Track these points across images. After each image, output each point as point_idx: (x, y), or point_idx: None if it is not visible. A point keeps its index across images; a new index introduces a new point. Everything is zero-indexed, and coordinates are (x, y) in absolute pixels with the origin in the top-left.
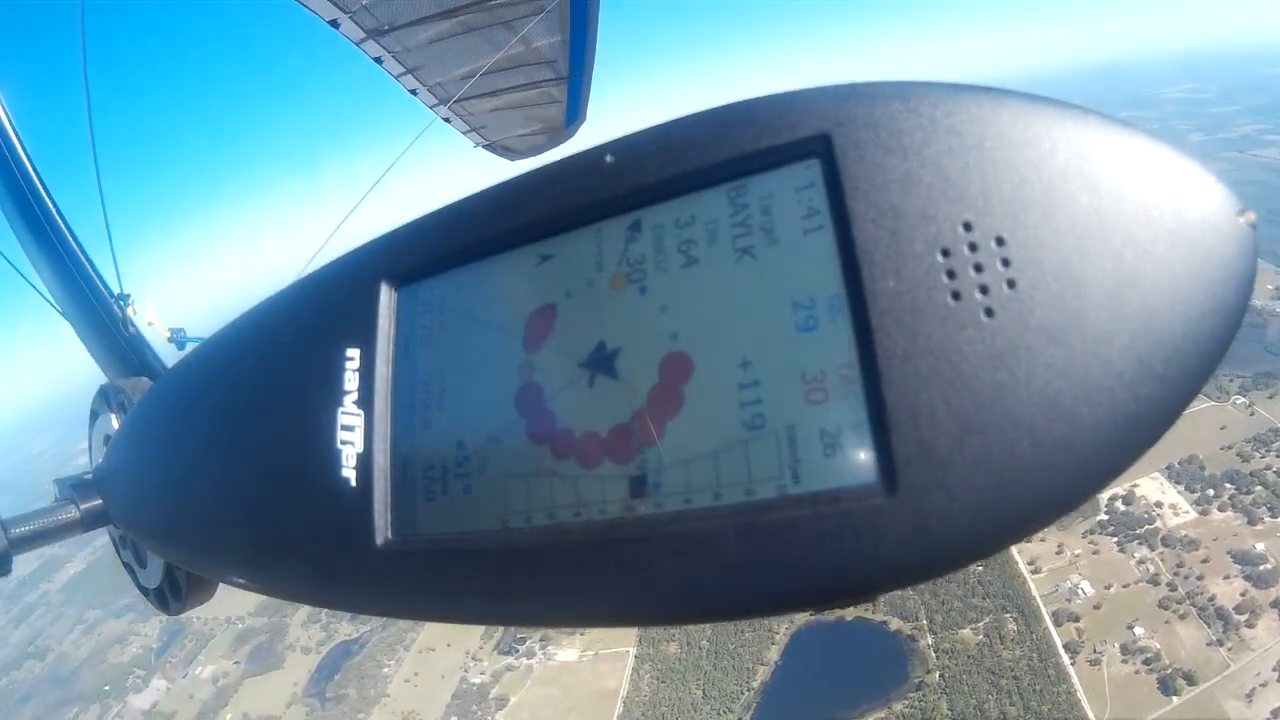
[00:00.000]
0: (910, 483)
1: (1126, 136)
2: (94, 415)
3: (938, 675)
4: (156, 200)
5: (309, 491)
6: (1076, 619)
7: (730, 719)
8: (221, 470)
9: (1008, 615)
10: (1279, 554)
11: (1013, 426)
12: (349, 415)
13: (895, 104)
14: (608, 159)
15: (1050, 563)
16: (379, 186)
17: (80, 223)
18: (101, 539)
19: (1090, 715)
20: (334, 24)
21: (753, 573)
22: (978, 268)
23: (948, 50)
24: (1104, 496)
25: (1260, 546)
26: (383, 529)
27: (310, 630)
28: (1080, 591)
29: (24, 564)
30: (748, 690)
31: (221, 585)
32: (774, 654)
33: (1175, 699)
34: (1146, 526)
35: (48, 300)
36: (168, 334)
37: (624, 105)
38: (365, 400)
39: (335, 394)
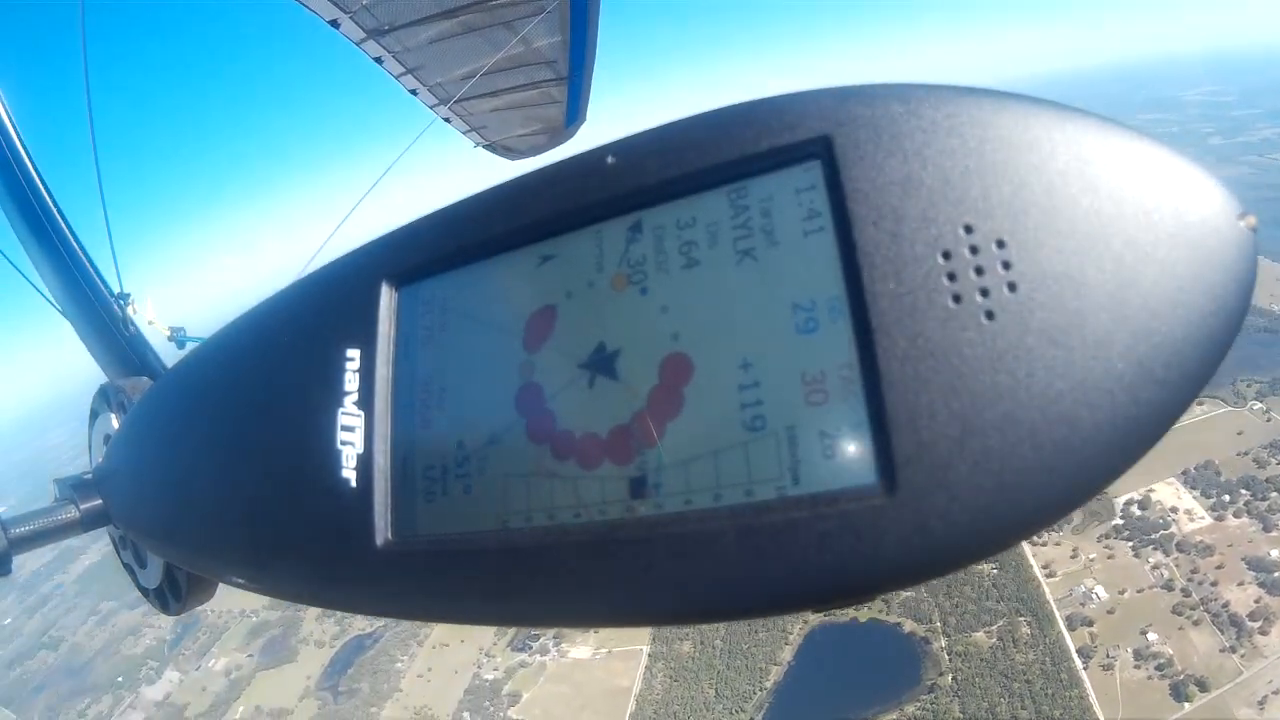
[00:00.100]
0: (910, 484)
1: (1127, 139)
2: (94, 415)
3: (950, 678)
4: (157, 200)
5: (309, 492)
6: (1090, 623)
7: (742, 718)
8: (221, 470)
9: (1021, 618)
10: None
11: (1013, 428)
12: (349, 416)
13: (896, 106)
14: (609, 160)
15: (1065, 566)
16: (379, 187)
17: (80, 222)
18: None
19: None
20: (334, 24)
21: (752, 573)
22: (978, 270)
23: (966, 51)
24: (1119, 501)
25: (1275, 553)
26: (383, 529)
27: (324, 624)
28: (1094, 596)
29: (39, 555)
30: (760, 690)
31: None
32: (787, 654)
33: (1187, 705)
34: (1161, 532)
35: (48, 300)
36: (168, 333)
37: (624, 106)
38: (365, 401)
39: (335, 394)
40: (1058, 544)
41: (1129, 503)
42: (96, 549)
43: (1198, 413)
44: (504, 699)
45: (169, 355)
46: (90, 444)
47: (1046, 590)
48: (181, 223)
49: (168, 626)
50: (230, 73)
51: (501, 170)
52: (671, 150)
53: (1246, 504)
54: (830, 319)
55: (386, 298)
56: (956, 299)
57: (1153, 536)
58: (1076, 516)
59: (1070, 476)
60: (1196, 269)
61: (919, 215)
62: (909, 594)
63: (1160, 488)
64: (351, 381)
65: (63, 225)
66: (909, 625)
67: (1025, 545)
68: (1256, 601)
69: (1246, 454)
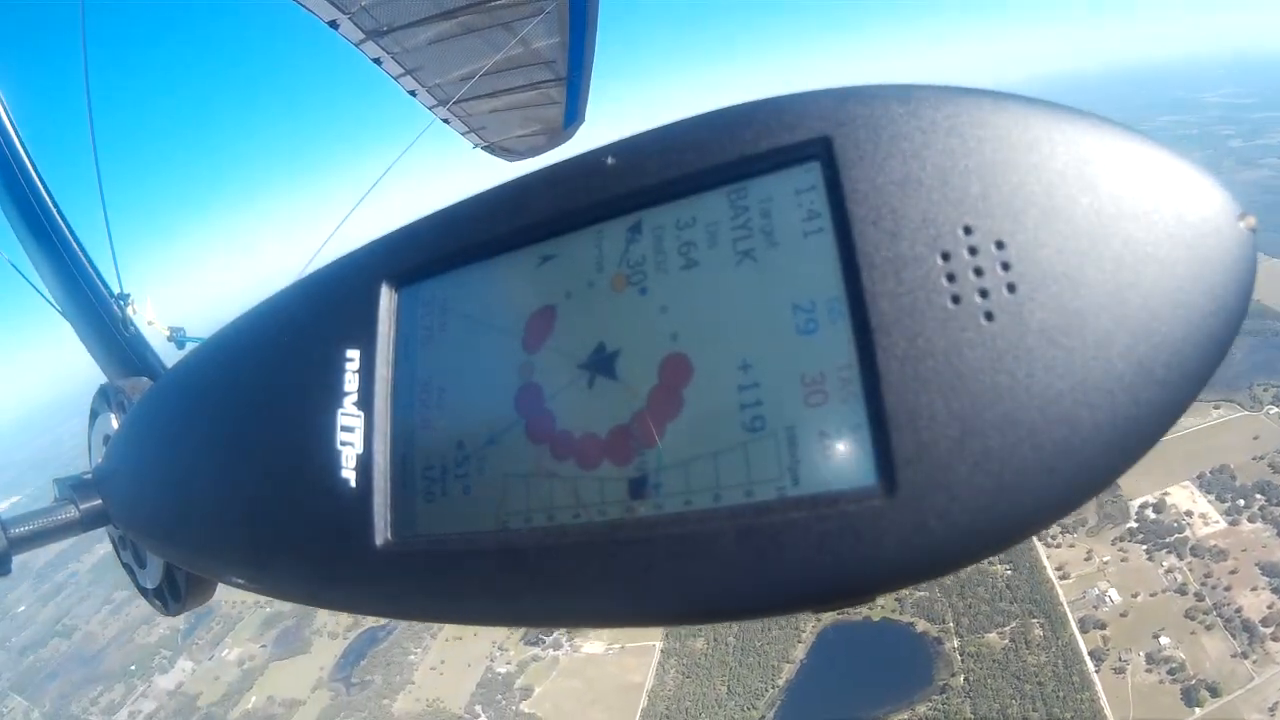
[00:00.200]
0: (910, 484)
1: (1126, 140)
2: (94, 415)
3: (962, 678)
4: (157, 200)
5: (308, 492)
6: (1103, 626)
7: (754, 715)
8: (221, 470)
9: (1034, 620)
10: None
11: (1012, 429)
12: (349, 416)
13: (896, 107)
14: (609, 160)
15: (1079, 569)
16: (378, 188)
17: (80, 222)
18: None
19: None
20: (333, 25)
21: (752, 574)
22: (978, 271)
23: (981, 52)
24: (1134, 504)
25: None
26: (382, 529)
27: (338, 616)
28: (1108, 599)
29: (54, 544)
30: (773, 687)
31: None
32: (800, 652)
33: (1198, 710)
34: (1176, 535)
35: (48, 300)
36: (168, 334)
37: (623, 107)
38: (365, 401)
39: (335, 395)
40: (1072, 546)
41: (1144, 506)
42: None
43: (1214, 416)
44: (516, 693)
45: (169, 355)
46: (90, 444)
47: (1060, 592)
48: (181, 223)
49: (181, 616)
50: (230, 73)
51: (501, 171)
52: (671, 151)
53: (1261, 509)
54: (830, 320)
55: (386, 298)
56: (956, 300)
57: (1167, 540)
58: (1091, 519)
59: (1070, 477)
60: (1196, 269)
61: (918, 216)
62: (922, 594)
63: (1175, 491)
64: (351, 382)
65: (63, 225)
66: (922, 625)
67: (1039, 547)
68: (1269, 607)
69: (1262, 459)
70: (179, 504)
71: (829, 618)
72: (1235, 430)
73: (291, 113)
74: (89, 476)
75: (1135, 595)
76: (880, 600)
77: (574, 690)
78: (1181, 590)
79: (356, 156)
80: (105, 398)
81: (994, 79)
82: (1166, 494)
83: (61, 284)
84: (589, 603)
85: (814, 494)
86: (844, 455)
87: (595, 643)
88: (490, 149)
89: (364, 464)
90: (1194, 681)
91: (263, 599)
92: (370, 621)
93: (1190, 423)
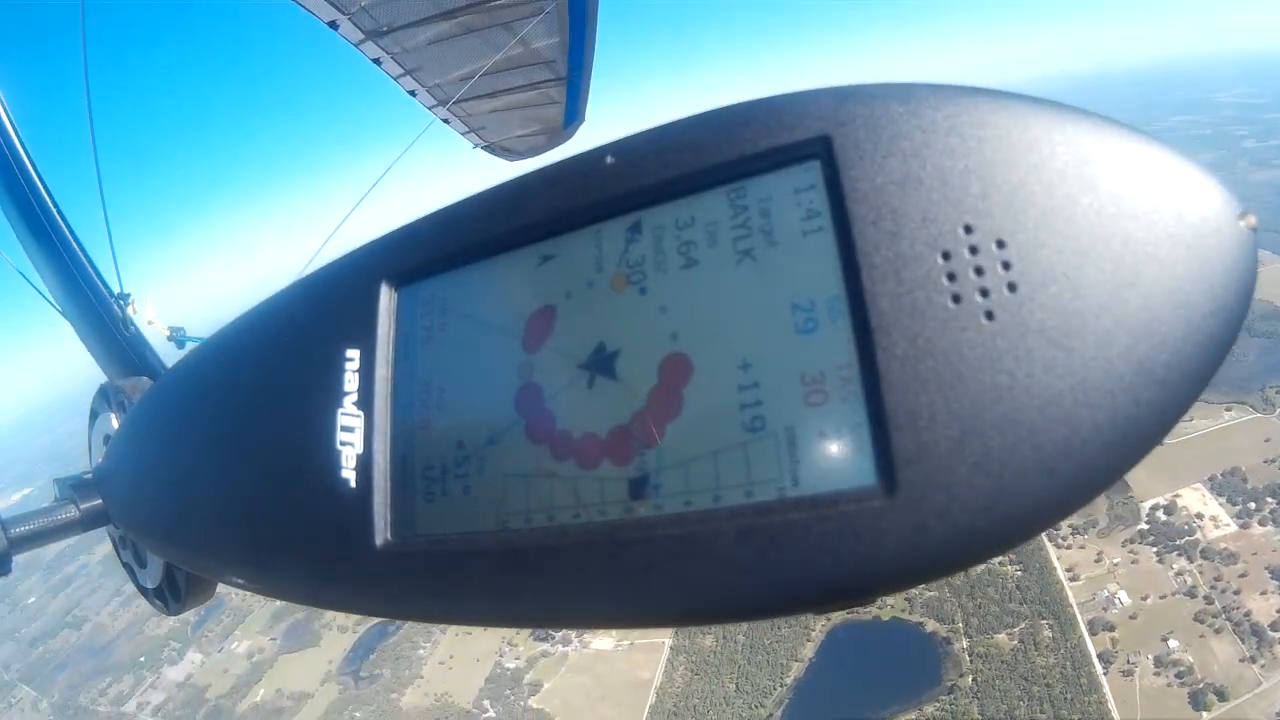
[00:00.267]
0: (910, 485)
1: (1127, 139)
2: (94, 415)
3: (970, 679)
4: (157, 200)
5: (308, 492)
6: (1112, 628)
7: (762, 713)
8: (221, 470)
9: (1044, 621)
10: None
11: (1013, 429)
12: (349, 416)
13: (896, 106)
14: (608, 160)
15: (1089, 570)
16: (378, 188)
17: (80, 222)
18: None
19: None
20: (333, 25)
21: (752, 575)
22: (978, 270)
23: (991, 52)
24: (1145, 506)
25: None
26: (382, 530)
27: None
28: (1117, 601)
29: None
30: (781, 685)
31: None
32: (809, 650)
33: (1205, 714)
34: (1186, 538)
35: (48, 300)
36: (168, 333)
37: (623, 107)
38: (365, 401)
39: (335, 395)
40: (1082, 547)
41: (1155, 508)
42: None
43: (1225, 418)
44: (524, 688)
45: (169, 355)
46: (90, 444)
47: (1070, 594)
48: (181, 223)
49: (192, 609)
50: (229, 74)
51: (501, 171)
52: (671, 150)
53: (1272, 512)
54: (829, 319)
55: (386, 298)
56: (956, 299)
57: (1177, 542)
58: (1102, 520)
59: (1070, 477)
60: (1196, 269)
61: (918, 215)
62: (932, 594)
63: (1186, 493)
64: (351, 382)
65: (63, 225)
66: (931, 625)
67: (1050, 548)
68: (1278, 611)
69: (1274, 461)
70: (179, 504)
71: (838, 617)
72: (1247, 433)
73: (291, 113)
74: (89, 476)
75: (1145, 598)
76: (890, 600)
77: (583, 686)
78: (1191, 593)
79: (356, 157)
80: (105, 398)
81: (1000, 79)
82: (1178, 496)
83: (61, 284)
84: (589, 603)
85: (814, 494)
86: (844, 455)
87: (605, 639)
88: (490, 149)
89: (364, 464)
90: (1202, 685)
91: None
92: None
93: (1202, 425)
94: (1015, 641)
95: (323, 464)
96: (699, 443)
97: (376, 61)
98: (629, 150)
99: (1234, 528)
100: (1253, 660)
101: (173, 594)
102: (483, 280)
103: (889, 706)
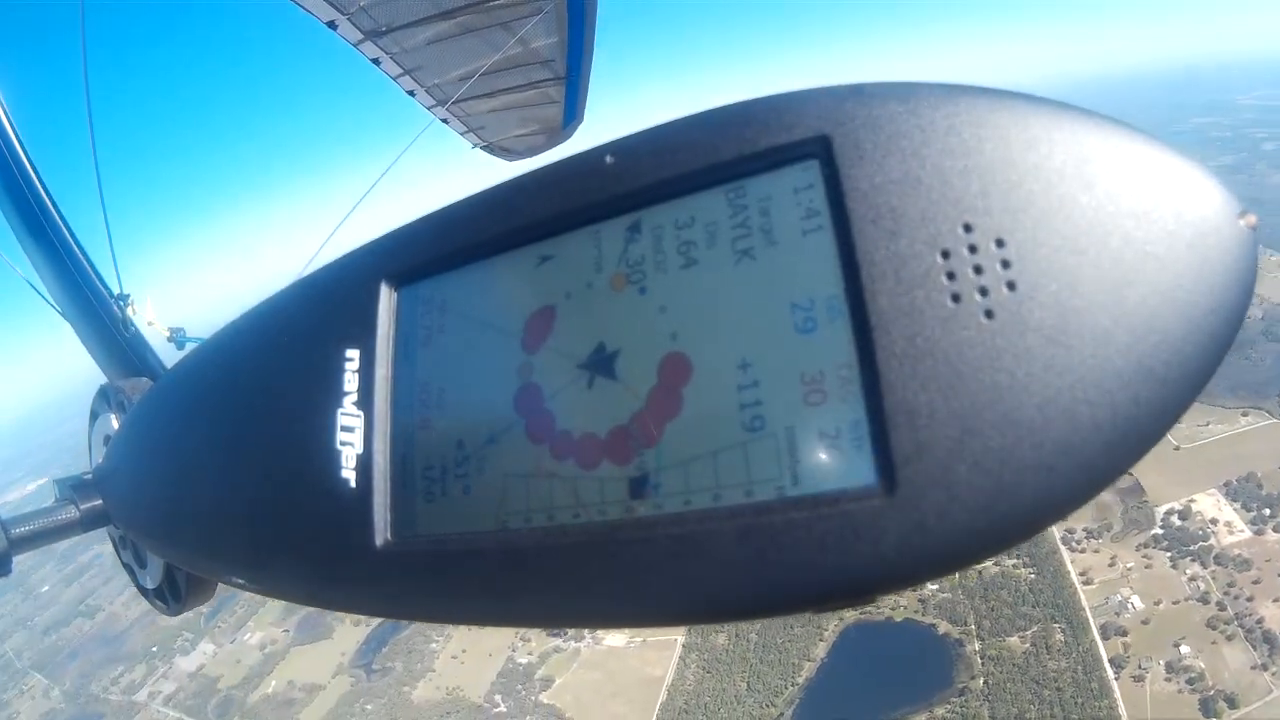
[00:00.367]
0: (909, 484)
1: (1126, 137)
2: (94, 415)
3: (982, 681)
4: (156, 201)
5: (308, 492)
6: (1124, 633)
7: (773, 712)
8: (221, 471)
9: (1056, 625)
10: None
11: (1012, 427)
12: (348, 416)
13: (895, 105)
14: (607, 160)
15: (1102, 574)
16: (377, 189)
17: (80, 223)
18: None
19: None
20: (332, 25)
21: (751, 574)
22: (977, 269)
23: (1013, 51)
24: (1160, 510)
25: None
26: (382, 530)
27: None
28: (1130, 605)
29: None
30: (792, 685)
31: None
32: (821, 650)
33: None
34: (1200, 543)
35: (48, 301)
36: (167, 334)
37: (622, 106)
38: (365, 401)
39: (335, 395)
40: (1096, 551)
41: (1169, 513)
42: None
43: (1242, 424)
44: (536, 683)
45: (169, 355)
46: (90, 444)
47: (1082, 597)
48: (181, 224)
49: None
50: (229, 74)
51: (500, 171)
52: (669, 150)
53: None
54: (829, 318)
55: (386, 298)
56: (955, 298)
57: (1191, 548)
58: (1116, 524)
59: (1070, 476)
60: (1196, 267)
61: (918, 214)
62: (945, 595)
63: (1201, 498)
64: (351, 382)
65: (62, 226)
66: (944, 627)
67: (1064, 551)
68: None
69: None
70: (179, 504)
71: (851, 617)
72: (1263, 438)
73: (291, 113)
74: (89, 476)
75: (1158, 603)
76: (903, 601)
77: (594, 682)
78: (1204, 599)
79: (356, 157)
80: (105, 398)
81: (1009, 80)
82: (1192, 501)
83: (61, 284)
84: (589, 603)
85: (813, 493)
86: (843, 454)
87: (616, 636)
88: (489, 149)
89: (364, 464)
90: (1212, 692)
91: None
92: None
93: (1218, 430)
94: (1027, 644)
95: (323, 464)
96: (699, 442)
97: (375, 61)
98: (628, 150)
99: (1248, 534)
100: (1264, 668)
101: (173, 594)
102: (482, 280)
103: (900, 708)
